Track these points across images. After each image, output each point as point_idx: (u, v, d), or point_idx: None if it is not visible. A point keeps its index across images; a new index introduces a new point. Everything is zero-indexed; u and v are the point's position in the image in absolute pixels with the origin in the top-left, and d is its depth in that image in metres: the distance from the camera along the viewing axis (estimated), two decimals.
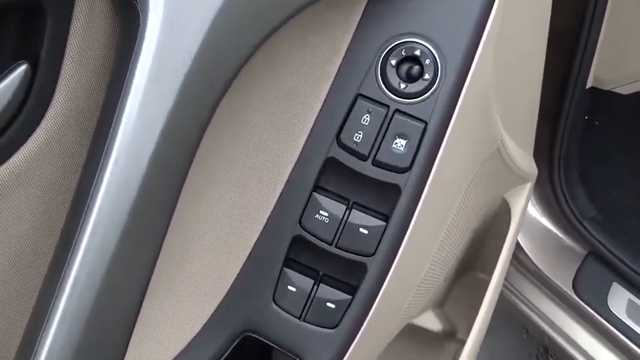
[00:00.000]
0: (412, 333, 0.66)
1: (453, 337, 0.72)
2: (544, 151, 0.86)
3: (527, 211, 0.95)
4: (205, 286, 0.37)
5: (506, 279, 1.01)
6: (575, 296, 0.90)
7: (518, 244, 0.94)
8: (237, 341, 0.38)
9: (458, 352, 0.65)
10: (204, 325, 0.37)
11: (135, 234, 0.28)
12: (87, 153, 0.29)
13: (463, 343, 0.64)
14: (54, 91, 0.28)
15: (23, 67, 0.27)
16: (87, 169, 0.29)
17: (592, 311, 0.88)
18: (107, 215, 0.27)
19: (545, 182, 0.88)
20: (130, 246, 0.28)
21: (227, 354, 0.38)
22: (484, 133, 0.42)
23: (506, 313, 1.06)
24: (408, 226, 0.37)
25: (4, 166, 0.29)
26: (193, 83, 0.27)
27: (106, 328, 0.29)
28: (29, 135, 0.29)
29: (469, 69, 0.36)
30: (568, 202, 0.89)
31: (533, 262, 0.93)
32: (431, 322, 0.68)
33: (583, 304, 0.89)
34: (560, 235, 0.94)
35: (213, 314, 0.37)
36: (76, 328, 0.28)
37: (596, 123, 1.19)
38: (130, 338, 0.30)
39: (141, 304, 0.30)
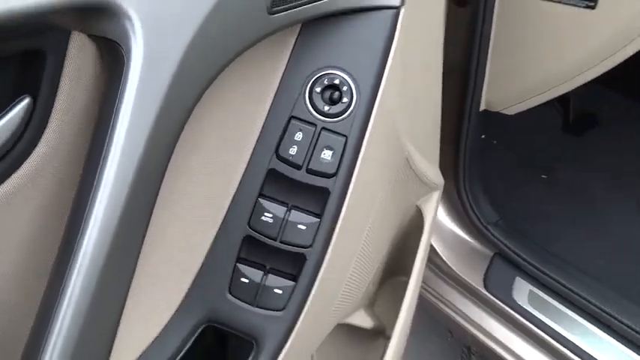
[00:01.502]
0: (346, 331, 0.73)
1: (382, 334, 0.80)
2: (450, 165, 0.98)
3: (440, 219, 1.07)
4: (169, 284, 0.43)
5: (427, 283, 1.12)
6: (486, 292, 1.02)
7: (434, 250, 1.05)
8: (199, 331, 0.43)
9: (385, 347, 0.73)
10: (170, 318, 0.42)
11: (118, 252, 0.34)
12: (82, 173, 0.35)
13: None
14: (47, 123, 0.34)
15: (27, 100, 0.33)
16: (82, 183, 0.34)
17: (501, 303, 1.00)
18: (97, 236, 0.32)
19: (452, 193, 1.00)
20: (114, 266, 0.34)
21: (190, 343, 0.43)
22: (393, 144, 0.52)
23: (432, 319, 1.16)
24: (337, 222, 0.45)
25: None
26: (166, 112, 0.34)
27: (99, 329, 0.34)
28: (24, 160, 0.34)
29: (377, 93, 0.45)
30: (473, 210, 1.01)
31: (448, 265, 1.05)
32: (363, 320, 0.76)
33: (493, 298, 1.01)
34: (470, 239, 1.07)
35: (177, 309, 0.43)
36: (75, 328, 0.32)
37: (494, 142, 1.37)
38: (114, 337, 0.36)
39: (123, 307, 0.36)
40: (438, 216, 1.05)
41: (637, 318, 0.90)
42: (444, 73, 0.91)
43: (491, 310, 1.02)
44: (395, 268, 0.83)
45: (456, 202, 1.01)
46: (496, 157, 1.28)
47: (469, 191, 1.01)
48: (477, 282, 1.03)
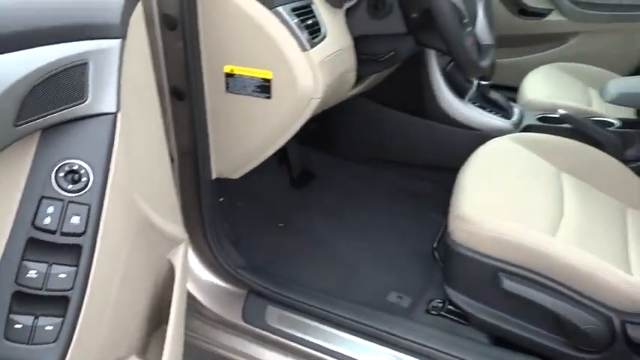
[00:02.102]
0: None
1: None
2: (199, 222, 1.19)
3: (198, 271, 1.26)
4: None
5: (196, 331, 1.28)
6: (245, 324, 1.23)
7: (195, 298, 1.23)
8: None
9: None
10: None
11: None
12: None
13: None
14: None
15: None
16: None
17: (259, 330, 1.23)
18: None
19: (204, 245, 1.20)
20: None
21: None
22: (129, 208, 0.70)
23: None
24: (91, 269, 0.61)
25: None
26: None
27: None
28: None
29: (109, 172, 0.64)
30: (224, 259, 1.23)
31: (210, 310, 1.24)
32: None
33: (252, 327, 1.23)
34: (225, 284, 1.28)
35: None
36: None
37: (239, 204, 1.64)
38: None
39: None
40: (195, 268, 1.24)
41: (357, 313, 1.21)
42: (181, 153, 1.13)
43: (252, 337, 1.24)
44: (163, 318, 0.98)
45: (207, 252, 1.22)
46: (240, 213, 1.55)
47: (217, 244, 1.23)
48: (236, 318, 1.24)
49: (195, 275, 1.24)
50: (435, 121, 1.63)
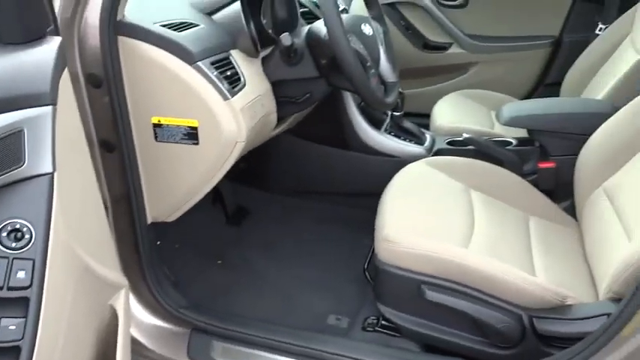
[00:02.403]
0: None
1: None
2: (137, 266, 1.23)
3: (141, 316, 1.29)
4: None
5: None
6: None
7: (141, 343, 1.26)
8: None
9: None
10: None
11: None
12: None
13: None
14: None
15: None
16: None
17: None
18: None
19: (144, 288, 1.24)
20: None
21: None
22: (71, 258, 0.75)
23: None
24: (39, 319, 0.66)
25: None
26: None
27: None
28: None
29: (49, 228, 0.69)
30: (165, 299, 1.28)
31: (156, 352, 1.27)
32: None
33: None
34: (169, 325, 1.32)
35: None
36: None
37: (176, 246, 1.69)
38: None
39: None
40: (137, 312, 1.28)
41: (299, 337, 1.28)
42: (115, 201, 1.18)
43: None
44: None
45: (148, 295, 1.25)
46: (179, 254, 1.60)
47: (157, 286, 1.27)
48: (182, 356, 1.28)
49: (138, 319, 1.27)
50: (356, 152, 1.76)
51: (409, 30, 2.47)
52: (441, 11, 2.41)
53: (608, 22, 2.12)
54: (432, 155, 1.71)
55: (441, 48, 2.46)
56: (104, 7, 1.01)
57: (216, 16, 1.27)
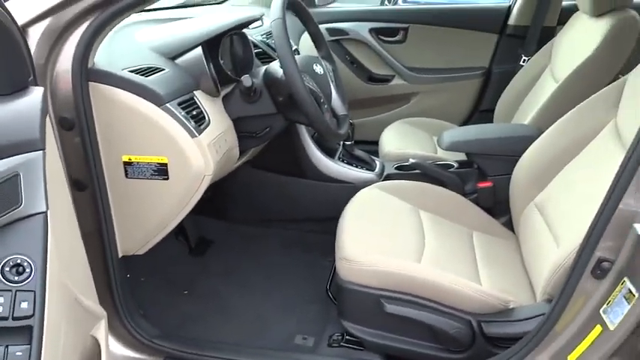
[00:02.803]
0: None
1: None
2: (110, 298, 1.27)
3: (112, 344, 1.33)
4: None
5: None
6: None
7: None
8: None
9: None
10: None
11: None
12: None
13: None
14: None
15: None
16: None
17: None
18: None
19: (116, 320, 1.28)
20: None
21: None
22: (64, 289, 0.81)
23: None
24: (42, 345, 0.72)
25: None
26: None
27: None
28: None
29: (46, 263, 0.76)
30: (137, 331, 1.32)
31: None
32: None
33: None
34: (142, 355, 1.36)
35: None
36: None
37: (142, 279, 1.72)
38: None
39: None
40: (111, 346, 1.31)
41: (270, 358, 1.35)
42: (87, 236, 1.22)
43: None
44: None
45: (121, 328, 1.30)
46: (146, 286, 1.64)
47: (129, 317, 1.31)
48: None
49: (111, 351, 1.31)
50: (313, 180, 1.87)
51: (354, 64, 2.64)
52: (383, 47, 2.60)
53: (529, 54, 2.37)
54: (383, 180, 1.84)
55: (385, 80, 2.64)
56: (76, 56, 1.08)
57: (179, 60, 1.37)
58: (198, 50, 1.35)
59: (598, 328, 1.03)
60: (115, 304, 1.27)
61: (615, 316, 0.99)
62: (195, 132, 1.21)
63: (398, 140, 2.19)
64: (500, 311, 1.27)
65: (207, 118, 1.30)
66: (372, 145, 2.28)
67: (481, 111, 2.62)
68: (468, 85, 2.61)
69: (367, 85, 2.64)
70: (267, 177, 1.91)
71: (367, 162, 1.93)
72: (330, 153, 1.91)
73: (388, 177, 1.87)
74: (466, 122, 2.63)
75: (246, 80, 1.41)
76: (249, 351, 1.36)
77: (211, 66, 1.39)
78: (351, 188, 1.72)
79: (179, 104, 1.23)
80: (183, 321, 1.56)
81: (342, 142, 1.98)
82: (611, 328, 0.99)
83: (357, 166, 1.89)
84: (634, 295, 0.95)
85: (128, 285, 1.34)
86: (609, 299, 1.01)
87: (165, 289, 1.71)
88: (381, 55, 2.60)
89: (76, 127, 1.12)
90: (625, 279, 0.98)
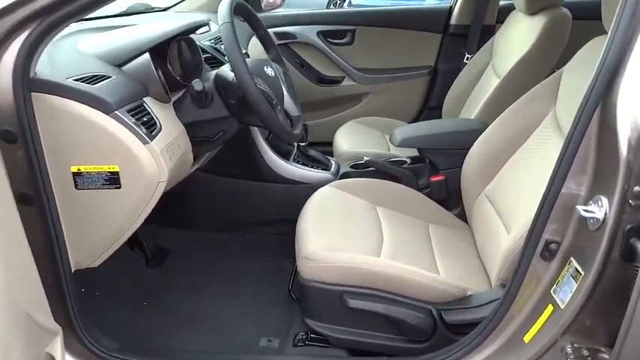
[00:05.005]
0: None
1: None
2: (65, 315, 1.21)
3: None
4: None
5: None
6: None
7: None
8: None
9: None
10: None
11: None
12: None
13: None
14: None
15: None
16: None
17: None
18: None
19: (73, 337, 1.23)
20: None
21: None
22: (16, 308, 0.78)
23: None
24: None
25: None
26: None
27: None
28: None
29: None
30: (96, 345, 1.28)
31: None
32: None
33: None
34: None
35: None
36: None
37: (97, 294, 1.67)
38: None
39: None
40: None
41: None
42: (37, 251, 1.17)
43: None
44: None
45: (78, 345, 1.25)
46: (103, 300, 1.59)
47: (87, 333, 1.27)
48: None
49: None
50: (269, 182, 1.87)
51: (304, 67, 2.66)
52: (331, 49, 2.64)
53: (472, 52, 2.47)
54: (339, 179, 1.86)
55: (335, 81, 2.68)
56: (16, 67, 1.04)
57: (126, 67, 1.34)
58: (146, 56, 1.33)
59: (550, 308, 1.08)
60: (70, 319, 1.23)
61: (565, 294, 1.04)
62: (147, 138, 1.19)
63: (351, 140, 2.22)
64: (458, 299, 1.31)
65: (158, 124, 1.28)
66: (326, 146, 2.30)
67: (429, 108, 2.69)
68: (416, 84, 2.67)
69: (318, 86, 2.67)
70: (224, 182, 1.90)
71: (322, 162, 1.95)
72: (284, 155, 1.91)
73: (344, 176, 1.89)
74: (416, 119, 2.70)
75: (196, 84, 1.40)
76: (215, 358, 1.34)
77: (160, 72, 1.37)
78: (308, 188, 1.73)
79: (128, 111, 1.20)
80: (145, 332, 1.53)
81: (296, 144, 1.99)
82: (562, 306, 1.04)
83: (312, 167, 1.91)
84: (580, 274, 1.00)
85: (83, 299, 1.30)
86: (558, 279, 1.06)
87: (123, 301, 1.66)
88: (330, 57, 2.63)
89: (19, 140, 1.08)
90: (571, 259, 1.03)
